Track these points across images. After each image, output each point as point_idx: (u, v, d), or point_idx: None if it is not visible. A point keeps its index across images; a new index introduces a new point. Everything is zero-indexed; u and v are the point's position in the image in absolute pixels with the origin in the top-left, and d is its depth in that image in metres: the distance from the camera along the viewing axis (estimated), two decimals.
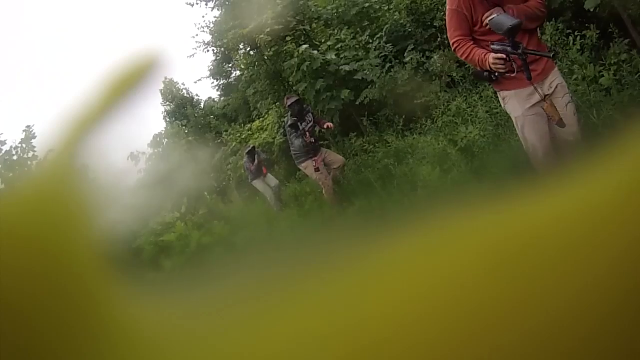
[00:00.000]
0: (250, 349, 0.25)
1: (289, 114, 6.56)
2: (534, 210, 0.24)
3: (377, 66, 8.48)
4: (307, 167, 6.36)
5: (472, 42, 2.63)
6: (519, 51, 2.43)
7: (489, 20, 2.48)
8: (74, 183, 0.30)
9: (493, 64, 2.52)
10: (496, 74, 2.56)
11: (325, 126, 6.47)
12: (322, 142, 9.37)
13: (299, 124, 6.31)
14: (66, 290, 0.27)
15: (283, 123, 6.69)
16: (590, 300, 0.22)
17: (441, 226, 0.26)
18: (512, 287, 0.23)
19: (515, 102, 2.70)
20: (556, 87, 2.67)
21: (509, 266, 0.23)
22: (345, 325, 0.24)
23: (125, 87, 0.34)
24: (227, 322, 0.27)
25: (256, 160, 8.45)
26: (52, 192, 0.30)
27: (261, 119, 12.62)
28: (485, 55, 2.55)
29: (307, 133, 6.23)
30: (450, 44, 2.71)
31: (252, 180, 8.62)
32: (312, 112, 6.72)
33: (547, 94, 2.68)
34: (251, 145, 8.98)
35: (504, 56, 2.48)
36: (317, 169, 6.16)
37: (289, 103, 6.47)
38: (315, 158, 6.26)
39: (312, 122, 6.44)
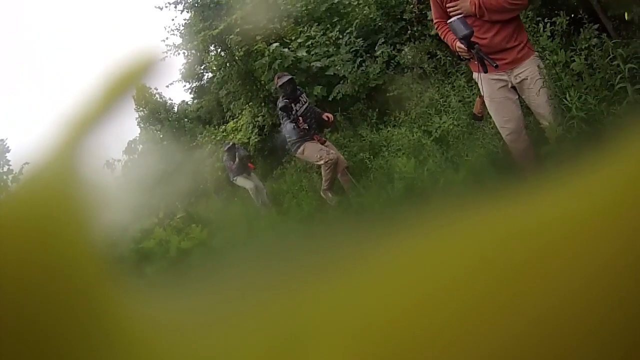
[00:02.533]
0: (237, 350, 0.25)
1: (281, 95, 5.78)
2: (532, 210, 0.24)
3: (348, 61, 8.48)
4: (305, 149, 5.60)
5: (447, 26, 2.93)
6: (473, 51, 2.77)
7: (448, 23, 2.82)
8: (71, 188, 0.30)
9: (458, 50, 2.84)
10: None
11: (324, 117, 5.79)
12: None
13: (292, 105, 5.58)
14: (66, 291, 0.27)
15: (278, 104, 5.81)
16: (589, 299, 0.22)
17: (435, 225, 0.25)
18: (509, 286, 0.22)
19: (484, 84, 2.96)
20: (524, 79, 2.87)
21: (506, 265, 0.23)
22: (329, 326, 0.24)
23: (116, 93, 0.34)
24: (215, 324, 0.27)
25: (237, 159, 8.21)
26: (51, 196, 0.29)
27: (235, 120, 12.57)
28: (454, 41, 2.85)
29: (301, 118, 5.51)
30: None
31: (234, 177, 8.40)
32: (306, 93, 6.02)
33: (513, 84, 2.92)
34: (231, 142, 8.76)
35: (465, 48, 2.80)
36: (323, 142, 5.51)
37: (280, 83, 5.67)
38: (317, 136, 5.57)
39: (307, 105, 5.75)
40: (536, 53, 2.96)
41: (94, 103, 0.33)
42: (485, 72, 2.80)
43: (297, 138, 5.57)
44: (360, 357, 0.23)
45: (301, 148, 5.58)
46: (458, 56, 2.98)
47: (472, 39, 2.77)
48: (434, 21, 3.06)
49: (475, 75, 2.99)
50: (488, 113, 3.12)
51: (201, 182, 12.08)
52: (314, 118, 5.68)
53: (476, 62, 2.82)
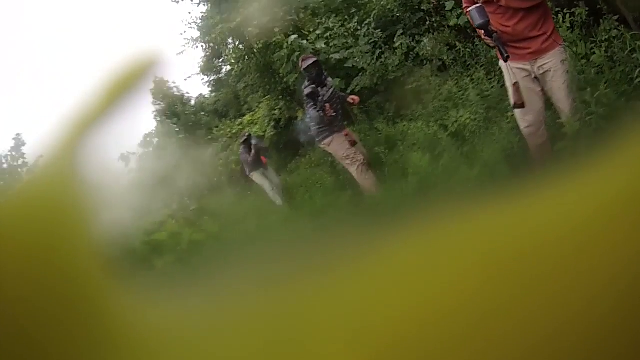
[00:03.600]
0: (246, 344, 0.25)
1: (305, 79, 5.20)
2: (539, 209, 0.24)
3: (367, 53, 8.42)
4: (333, 142, 5.12)
5: None
6: (492, 39, 2.76)
7: (468, 11, 2.83)
8: (73, 186, 0.30)
9: (483, 38, 2.85)
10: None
11: (350, 100, 5.37)
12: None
13: (319, 89, 5.04)
14: (67, 293, 0.27)
15: (303, 89, 5.20)
16: (599, 301, 0.21)
17: (448, 221, 0.25)
18: (522, 283, 0.22)
19: (506, 73, 2.94)
20: (547, 70, 2.85)
21: (513, 267, 0.22)
22: (341, 321, 0.24)
23: (122, 89, 0.34)
24: (223, 319, 0.27)
25: (253, 151, 7.95)
26: (53, 195, 0.30)
27: (252, 113, 12.63)
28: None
29: (327, 105, 4.96)
30: None
31: (250, 172, 8.07)
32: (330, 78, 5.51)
33: (536, 75, 2.89)
34: (247, 134, 8.48)
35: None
36: (353, 143, 4.99)
37: (305, 66, 5.15)
38: (346, 132, 5.10)
39: (332, 89, 5.23)
40: (563, 45, 2.91)
41: (107, 97, 0.33)
42: (505, 60, 2.78)
43: (325, 126, 5.11)
44: (372, 353, 0.22)
45: (329, 139, 5.13)
46: (487, 43, 2.97)
47: (495, 27, 2.77)
48: (464, 7, 3.06)
49: (501, 62, 2.98)
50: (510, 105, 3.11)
51: (215, 175, 12.15)
52: (339, 104, 5.33)
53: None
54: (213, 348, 0.25)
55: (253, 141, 8.17)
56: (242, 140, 8.27)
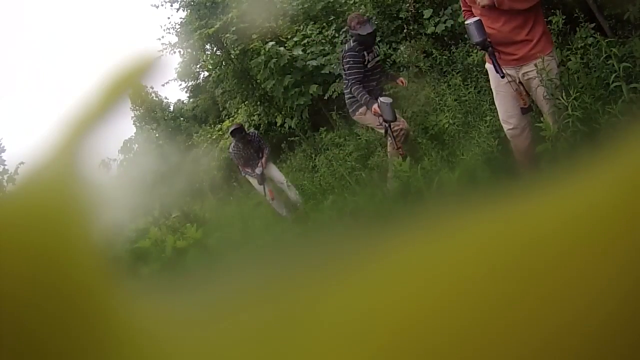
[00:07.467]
0: (232, 350, 0.25)
1: (351, 39, 4.78)
2: (539, 210, 0.23)
3: None
4: (367, 112, 4.74)
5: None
6: (488, 51, 2.80)
7: (465, 24, 2.86)
8: (68, 188, 0.30)
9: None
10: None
11: (399, 82, 5.10)
12: (292, 139, 9.35)
13: (365, 53, 4.65)
14: (68, 295, 0.27)
15: (342, 51, 4.86)
16: (601, 303, 0.21)
17: (430, 224, 0.25)
18: (517, 290, 0.22)
19: (492, 75, 2.97)
20: (531, 78, 2.88)
21: (512, 268, 0.22)
22: (324, 327, 0.23)
23: (118, 90, 0.34)
24: (209, 325, 0.27)
25: (265, 155, 6.36)
26: (48, 197, 0.29)
27: (231, 118, 12.57)
28: None
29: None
30: None
31: (247, 173, 6.45)
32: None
33: (520, 81, 2.87)
34: (239, 124, 6.89)
35: None
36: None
37: (362, 30, 4.64)
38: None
39: (378, 58, 4.91)
40: (553, 52, 2.93)
41: (91, 103, 0.33)
42: (500, 74, 2.80)
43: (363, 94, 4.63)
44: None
45: (364, 108, 4.73)
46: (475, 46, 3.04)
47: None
48: (462, 10, 3.12)
49: (487, 65, 3.02)
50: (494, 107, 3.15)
51: (197, 182, 12.08)
52: (381, 77, 5.04)
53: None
54: (198, 353, 0.25)
55: (255, 137, 6.51)
56: (231, 130, 6.42)
